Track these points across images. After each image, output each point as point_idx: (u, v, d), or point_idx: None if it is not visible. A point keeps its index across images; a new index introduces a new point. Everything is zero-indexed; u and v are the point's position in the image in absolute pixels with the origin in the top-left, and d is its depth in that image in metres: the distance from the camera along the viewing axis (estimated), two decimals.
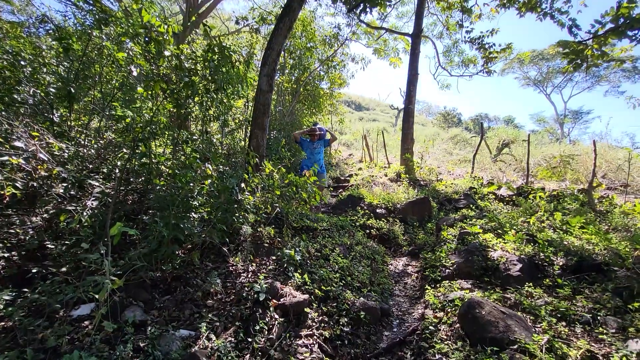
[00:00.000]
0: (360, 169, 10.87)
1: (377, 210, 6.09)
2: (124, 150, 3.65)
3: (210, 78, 3.83)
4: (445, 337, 2.45)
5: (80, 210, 2.83)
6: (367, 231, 5.33)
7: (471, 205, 5.88)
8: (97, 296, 1.88)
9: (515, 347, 2.12)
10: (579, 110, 31.53)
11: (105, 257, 1.84)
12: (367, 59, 11.10)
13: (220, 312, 2.59)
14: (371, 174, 9.28)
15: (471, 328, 2.37)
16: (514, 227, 4.26)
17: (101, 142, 4.04)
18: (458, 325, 2.51)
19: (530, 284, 3.06)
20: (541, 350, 2.10)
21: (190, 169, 3.15)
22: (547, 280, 3.16)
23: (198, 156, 3.36)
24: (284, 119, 8.50)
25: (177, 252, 2.87)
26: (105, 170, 3.58)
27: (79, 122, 4.35)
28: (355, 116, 32.03)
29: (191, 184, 2.91)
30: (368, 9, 5.51)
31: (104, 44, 4.17)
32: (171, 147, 3.64)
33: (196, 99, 3.64)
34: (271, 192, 3.95)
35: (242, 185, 3.42)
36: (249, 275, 3.10)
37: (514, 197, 6.27)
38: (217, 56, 3.69)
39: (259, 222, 3.85)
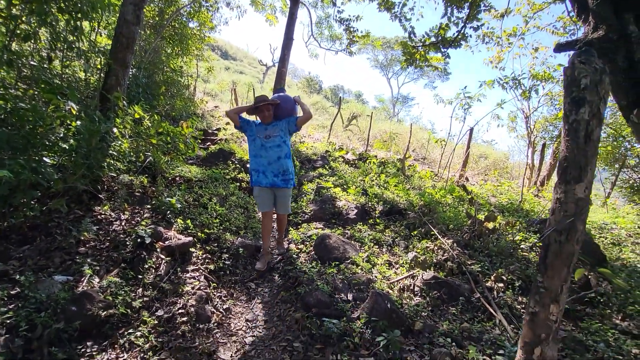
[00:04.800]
0: (227, 123, 10.75)
1: (247, 165, 6.51)
2: None
3: None
4: (304, 261, 3.29)
5: None
6: (238, 184, 5.73)
7: (326, 166, 7.10)
8: None
9: (349, 261, 3.15)
10: (407, 96, 39.99)
11: None
12: (243, 8, 10.63)
13: (97, 257, 2.59)
14: None
15: (322, 252, 3.29)
16: (355, 184, 5.60)
17: None
18: (313, 252, 3.41)
19: (361, 223, 4.31)
20: (363, 261, 3.21)
21: (45, 104, 2.70)
22: (371, 220, 4.50)
23: (50, 88, 2.87)
24: (145, 56, 7.41)
25: (33, 200, 2.55)
26: None
27: None
28: (222, 64, 29.75)
29: (52, 125, 2.55)
30: None
31: None
32: (9, 73, 2.90)
33: (45, 18, 2.96)
34: (145, 139, 3.76)
35: (115, 130, 3.17)
36: (123, 223, 3.08)
37: (356, 160, 7.92)
38: None
39: (129, 170, 3.66)
